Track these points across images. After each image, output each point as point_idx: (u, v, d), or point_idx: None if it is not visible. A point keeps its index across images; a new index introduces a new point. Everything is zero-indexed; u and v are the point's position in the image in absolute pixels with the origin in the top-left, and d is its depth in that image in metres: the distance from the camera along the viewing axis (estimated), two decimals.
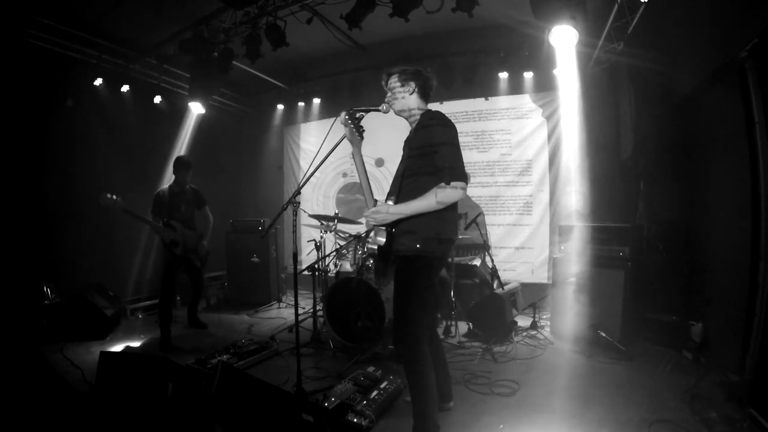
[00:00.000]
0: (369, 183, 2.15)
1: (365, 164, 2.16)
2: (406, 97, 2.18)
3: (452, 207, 2.06)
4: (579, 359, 3.33)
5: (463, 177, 1.99)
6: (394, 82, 2.20)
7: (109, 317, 4.06)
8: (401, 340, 2.08)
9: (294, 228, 2.81)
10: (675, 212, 3.76)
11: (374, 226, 2.14)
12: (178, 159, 4.03)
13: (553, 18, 3.10)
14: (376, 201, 2.16)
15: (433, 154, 2.01)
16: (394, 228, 2.10)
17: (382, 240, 2.14)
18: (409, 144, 2.21)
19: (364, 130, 2.15)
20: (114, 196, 3.51)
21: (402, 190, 2.15)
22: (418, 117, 2.19)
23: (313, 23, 4.14)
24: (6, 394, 2.50)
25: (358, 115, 2.14)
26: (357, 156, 2.15)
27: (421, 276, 2.06)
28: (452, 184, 1.95)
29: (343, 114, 2.11)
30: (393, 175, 2.35)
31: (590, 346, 3.44)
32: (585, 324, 3.53)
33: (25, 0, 3.86)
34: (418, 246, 2.02)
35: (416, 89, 2.18)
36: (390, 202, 2.17)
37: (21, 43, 4.06)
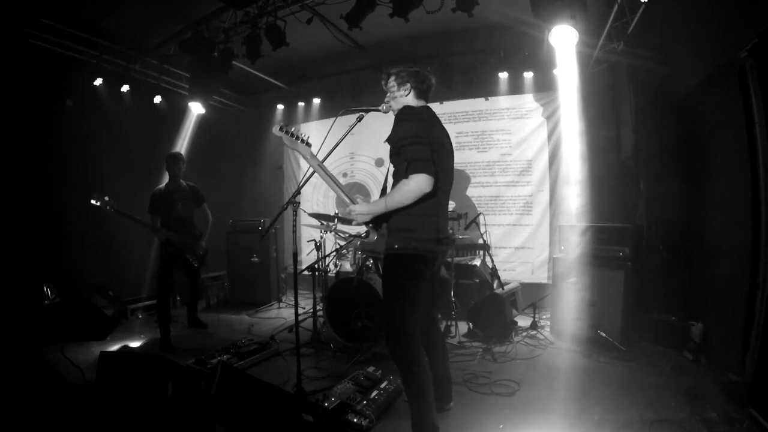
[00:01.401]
0: (337, 184, 2.14)
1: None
2: (402, 98, 2.19)
3: (435, 204, 2.02)
4: (579, 359, 3.33)
5: (422, 168, 1.90)
6: (391, 82, 2.22)
7: (109, 317, 4.06)
8: (390, 340, 2.06)
9: (294, 228, 2.81)
10: (675, 212, 3.76)
11: (362, 223, 2.13)
12: (168, 155, 4.03)
13: (553, 18, 3.10)
14: (353, 199, 2.16)
15: (401, 149, 2.00)
16: (382, 228, 2.11)
17: (374, 238, 2.15)
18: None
19: (305, 136, 2.11)
20: (105, 198, 3.51)
21: (390, 187, 2.16)
22: None
23: (313, 23, 4.14)
24: (6, 395, 2.50)
25: (294, 135, 2.08)
26: (311, 162, 2.13)
27: (406, 275, 2.02)
28: (411, 177, 1.91)
29: (274, 128, 2.08)
30: None
31: (590, 346, 3.43)
32: (585, 324, 3.53)
33: (25, 0, 3.85)
34: (396, 246, 2.01)
35: (412, 90, 2.19)
36: None
37: (21, 43, 4.05)
